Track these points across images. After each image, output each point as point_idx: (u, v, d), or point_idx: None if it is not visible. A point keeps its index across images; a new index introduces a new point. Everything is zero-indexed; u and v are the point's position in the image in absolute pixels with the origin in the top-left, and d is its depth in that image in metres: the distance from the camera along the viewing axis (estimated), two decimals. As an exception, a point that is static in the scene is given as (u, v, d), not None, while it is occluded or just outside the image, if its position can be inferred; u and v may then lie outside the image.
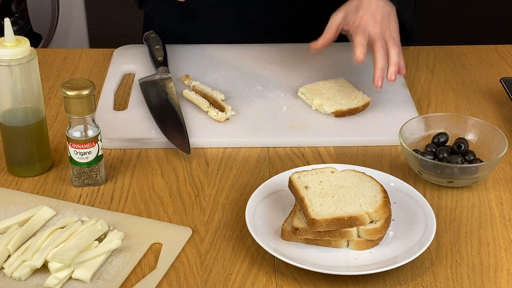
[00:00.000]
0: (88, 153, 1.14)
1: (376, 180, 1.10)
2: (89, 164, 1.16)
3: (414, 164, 1.19)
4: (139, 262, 1.03)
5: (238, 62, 1.51)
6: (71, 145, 1.14)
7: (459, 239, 1.08)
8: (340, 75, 1.45)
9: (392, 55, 1.29)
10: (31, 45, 1.14)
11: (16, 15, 2.68)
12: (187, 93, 1.38)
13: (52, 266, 0.99)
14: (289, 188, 1.10)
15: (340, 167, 1.16)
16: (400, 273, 1.02)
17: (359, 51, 1.27)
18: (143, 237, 1.07)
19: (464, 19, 2.97)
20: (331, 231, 1.03)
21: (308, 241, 1.05)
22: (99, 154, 1.16)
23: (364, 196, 1.06)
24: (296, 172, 1.11)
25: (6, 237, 1.03)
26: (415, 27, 1.41)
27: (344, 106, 1.33)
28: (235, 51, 1.55)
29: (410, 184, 1.16)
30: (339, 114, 1.32)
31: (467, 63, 1.55)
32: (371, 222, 1.04)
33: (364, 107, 1.34)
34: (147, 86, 1.40)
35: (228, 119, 1.32)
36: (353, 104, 1.34)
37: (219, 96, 1.37)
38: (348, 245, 1.05)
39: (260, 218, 1.08)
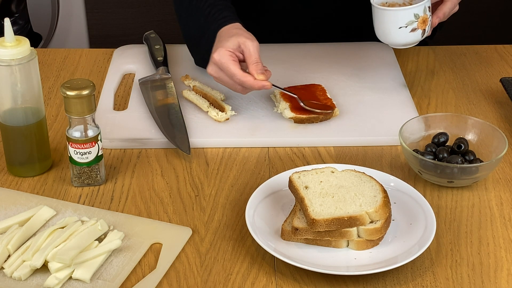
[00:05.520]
0: (88, 153, 1.14)
1: (376, 180, 1.10)
2: (89, 164, 1.16)
3: (414, 164, 1.19)
4: (139, 262, 1.03)
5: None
6: (71, 145, 1.14)
7: (459, 239, 1.08)
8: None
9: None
10: (31, 45, 1.14)
11: (16, 15, 2.68)
12: (187, 93, 1.38)
13: (52, 266, 0.99)
14: (289, 188, 1.10)
15: (340, 167, 1.16)
16: (400, 273, 1.02)
17: None
18: (143, 237, 1.07)
19: (464, 19, 2.97)
20: (331, 231, 1.03)
21: (308, 241, 1.05)
22: (99, 154, 1.16)
23: (364, 196, 1.06)
24: (296, 172, 1.11)
25: (6, 237, 1.03)
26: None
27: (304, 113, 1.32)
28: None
29: (410, 184, 1.16)
30: (298, 121, 1.31)
31: (467, 63, 1.55)
32: (371, 222, 1.04)
33: (326, 116, 1.32)
34: (147, 86, 1.40)
35: (228, 119, 1.32)
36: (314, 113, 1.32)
37: (219, 96, 1.37)
38: (348, 245, 1.05)
39: (260, 218, 1.08)
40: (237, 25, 1.32)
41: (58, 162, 1.24)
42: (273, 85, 1.30)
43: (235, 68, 1.26)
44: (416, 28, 1.29)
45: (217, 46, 1.28)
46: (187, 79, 1.43)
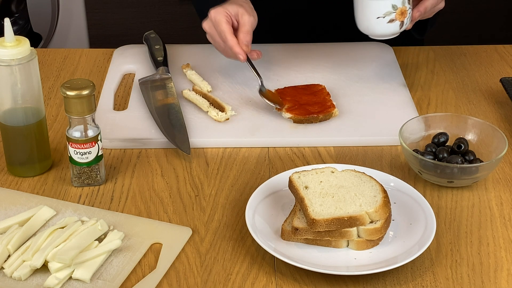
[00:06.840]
0: (88, 153, 1.14)
1: (376, 180, 1.10)
2: (89, 164, 1.16)
3: (414, 164, 1.19)
4: (139, 262, 1.03)
5: (238, 62, 1.50)
6: (71, 145, 1.14)
7: (459, 239, 1.08)
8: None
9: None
10: (31, 45, 1.14)
11: (16, 15, 2.68)
12: (187, 93, 1.38)
13: (52, 266, 0.99)
14: (289, 188, 1.10)
15: (340, 167, 1.16)
16: (400, 273, 1.02)
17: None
18: (143, 237, 1.07)
19: (464, 19, 2.97)
20: (331, 231, 1.03)
21: (308, 241, 1.05)
22: (99, 154, 1.16)
23: (364, 196, 1.06)
24: (296, 172, 1.11)
25: (6, 237, 1.03)
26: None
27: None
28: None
29: (410, 184, 1.16)
30: (297, 121, 1.31)
31: (467, 63, 1.55)
32: (371, 222, 1.04)
33: (326, 116, 1.32)
34: (147, 86, 1.40)
35: (228, 119, 1.32)
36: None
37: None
38: (348, 245, 1.05)
39: (260, 218, 1.08)
40: (247, 0, 1.39)
41: (58, 162, 1.24)
42: (248, 61, 1.36)
43: (226, 26, 1.34)
44: (394, 19, 1.30)
45: (218, 6, 1.36)
46: (188, 67, 1.43)
